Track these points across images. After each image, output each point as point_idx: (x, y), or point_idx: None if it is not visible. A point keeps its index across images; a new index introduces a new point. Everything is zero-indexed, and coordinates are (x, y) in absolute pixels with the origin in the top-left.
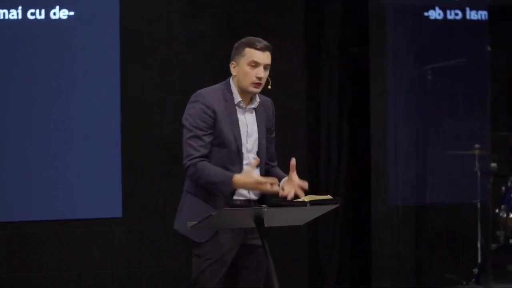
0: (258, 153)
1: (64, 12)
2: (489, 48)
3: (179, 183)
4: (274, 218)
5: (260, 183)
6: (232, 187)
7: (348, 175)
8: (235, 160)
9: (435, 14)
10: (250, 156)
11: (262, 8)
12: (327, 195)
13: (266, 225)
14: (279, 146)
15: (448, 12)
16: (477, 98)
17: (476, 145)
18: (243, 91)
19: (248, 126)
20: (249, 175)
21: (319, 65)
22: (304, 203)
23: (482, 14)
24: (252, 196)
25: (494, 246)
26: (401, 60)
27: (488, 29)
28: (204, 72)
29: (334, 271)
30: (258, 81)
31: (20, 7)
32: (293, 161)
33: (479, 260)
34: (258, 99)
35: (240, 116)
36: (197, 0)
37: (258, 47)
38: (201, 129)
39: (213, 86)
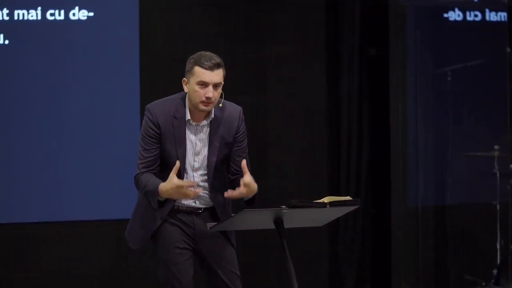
0: (207, 171)
1: (83, 12)
2: (508, 49)
3: None
4: (294, 219)
5: (181, 186)
6: (157, 197)
7: (368, 177)
8: (179, 178)
9: (454, 15)
10: (197, 174)
11: (282, 9)
12: (347, 196)
13: (285, 226)
14: (300, 147)
15: (467, 13)
16: (497, 99)
17: (496, 147)
18: (194, 108)
19: (197, 144)
20: (170, 181)
21: (339, 67)
22: (323, 204)
23: (502, 16)
24: (198, 205)
25: None
26: (420, 61)
27: (507, 30)
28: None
29: (354, 272)
30: (207, 101)
31: (39, 8)
32: (243, 162)
33: (498, 261)
34: (212, 115)
35: (189, 134)
36: (215, 0)
37: (206, 66)
38: (147, 142)
39: (169, 98)
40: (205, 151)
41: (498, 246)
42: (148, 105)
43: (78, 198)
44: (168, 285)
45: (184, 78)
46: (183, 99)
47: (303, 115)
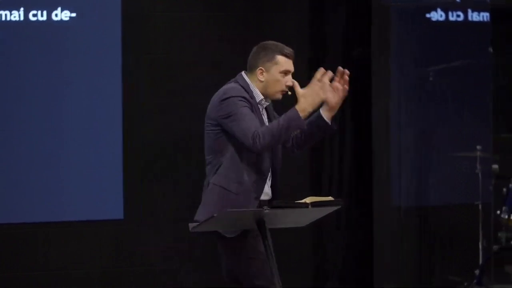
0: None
1: (66, 13)
2: (491, 50)
3: (181, 185)
4: (276, 219)
5: (319, 81)
6: (300, 114)
7: (351, 177)
8: (266, 159)
9: (437, 15)
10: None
11: (266, 9)
12: (329, 197)
13: (268, 227)
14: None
15: (450, 13)
16: (479, 100)
17: (478, 147)
18: (265, 95)
19: (267, 123)
20: (305, 89)
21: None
22: (305, 205)
23: (484, 16)
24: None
25: (495, 247)
26: (403, 61)
27: (490, 31)
28: (207, 73)
29: (337, 272)
30: (285, 89)
31: (22, 9)
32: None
33: (480, 262)
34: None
35: (262, 114)
36: (198, 0)
37: (289, 55)
38: (250, 111)
39: (231, 85)
40: None
41: (480, 247)
42: (229, 93)
43: (78, 199)
44: (261, 277)
45: (261, 68)
46: (245, 83)
47: None
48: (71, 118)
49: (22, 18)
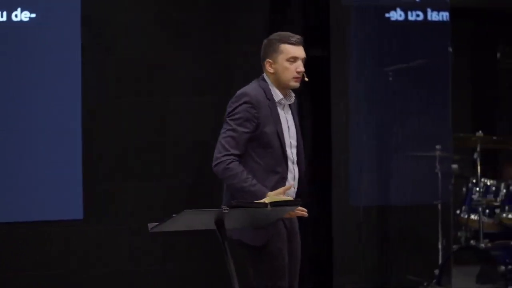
0: (297, 147)
1: (25, 14)
2: (450, 49)
3: (141, 184)
4: (235, 219)
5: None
6: (262, 200)
7: (310, 177)
8: (280, 160)
9: (396, 15)
10: (293, 152)
11: (224, 8)
12: (288, 197)
13: (226, 227)
14: None
15: (409, 13)
16: (439, 99)
17: (438, 146)
18: (282, 88)
19: (288, 122)
20: (281, 197)
21: None
22: (264, 205)
23: (444, 15)
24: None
25: (455, 247)
26: (362, 61)
27: (449, 30)
28: (169, 74)
29: None
30: (298, 75)
31: None
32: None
33: (440, 261)
34: (292, 94)
35: (281, 113)
36: (158, 1)
37: (293, 42)
38: (245, 125)
39: (251, 85)
40: (293, 129)
41: (440, 246)
42: (240, 92)
43: (37, 198)
44: (282, 278)
45: (268, 60)
46: (265, 82)
47: None
48: (30, 118)
49: None
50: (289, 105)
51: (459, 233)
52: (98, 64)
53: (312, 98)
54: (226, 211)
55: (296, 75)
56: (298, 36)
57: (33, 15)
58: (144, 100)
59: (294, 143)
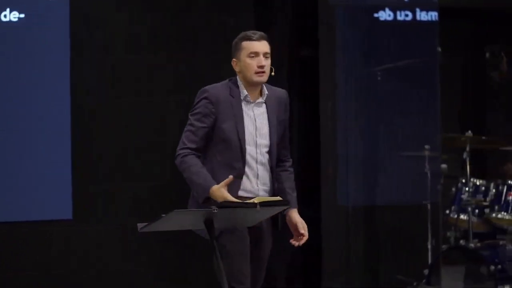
0: (269, 147)
1: (14, 14)
2: (439, 49)
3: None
4: (224, 219)
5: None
6: (206, 194)
7: (298, 177)
8: (238, 156)
9: (385, 15)
10: (262, 151)
11: (212, 9)
12: (277, 197)
13: (215, 226)
14: None
15: (398, 13)
16: (428, 99)
17: (426, 146)
18: (250, 85)
19: (257, 120)
20: (222, 193)
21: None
22: (253, 205)
23: (432, 15)
24: (261, 192)
25: (444, 247)
26: (351, 61)
27: (438, 30)
28: (158, 74)
29: (284, 272)
30: (260, 70)
31: None
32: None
33: (429, 261)
34: (266, 92)
35: (248, 112)
36: (147, 1)
37: (253, 38)
38: (202, 121)
39: (220, 83)
40: (266, 128)
41: (429, 246)
42: (203, 88)
43: (26, 198)
44: (239, 275)
45: (234, 59)
46: (235, 81)
47: None
48: (19, 118)
49: None
50: (266, 105)
51: (448, 233)
52: (87, 65)
53: (300, 98)
54: (215, 211)
55: (257, 69)
56: (260, 32)
57: (22, 15)
58: (132, 100)
59: (265, 142)
